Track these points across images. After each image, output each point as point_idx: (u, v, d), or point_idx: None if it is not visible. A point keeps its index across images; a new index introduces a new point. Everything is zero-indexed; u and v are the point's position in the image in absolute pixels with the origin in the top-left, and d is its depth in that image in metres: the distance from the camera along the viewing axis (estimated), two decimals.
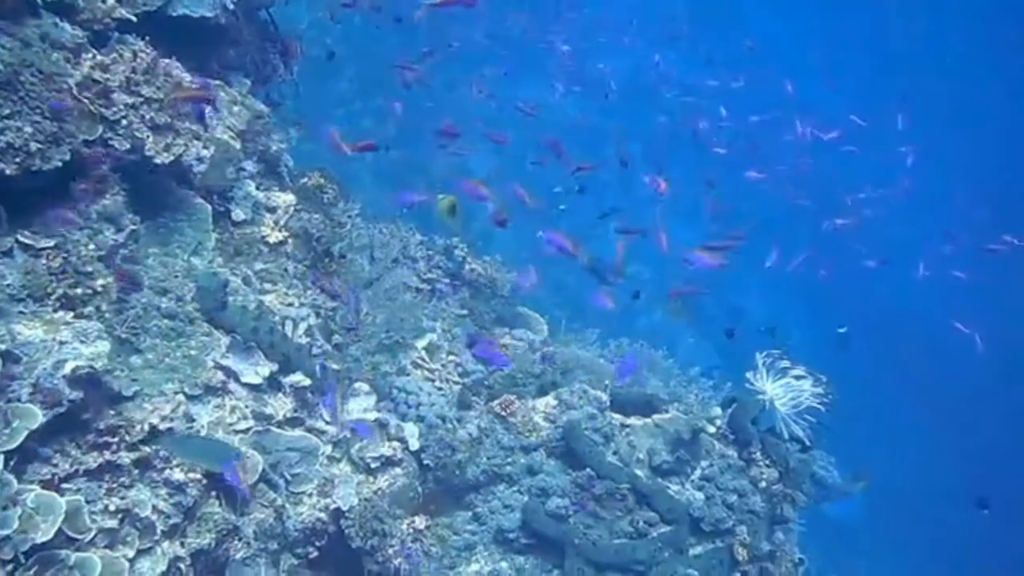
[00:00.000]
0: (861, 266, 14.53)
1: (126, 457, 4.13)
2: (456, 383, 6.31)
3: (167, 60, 4.82)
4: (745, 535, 5.86)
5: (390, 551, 4.86)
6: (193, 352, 4.70)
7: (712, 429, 6.00)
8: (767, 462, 6.12)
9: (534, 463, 5.73)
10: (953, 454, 20.54)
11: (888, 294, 20.26)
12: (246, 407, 4.77)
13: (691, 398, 6.32)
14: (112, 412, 4.21)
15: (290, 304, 5.32)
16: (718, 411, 6.11)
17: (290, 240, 5.55)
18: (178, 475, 4.26)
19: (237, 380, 4.81)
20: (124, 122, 4.54)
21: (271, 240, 5.48)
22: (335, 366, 5.22)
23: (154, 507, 4.16)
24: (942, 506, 20.07)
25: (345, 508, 4.87)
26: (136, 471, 4.17)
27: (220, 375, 4.73)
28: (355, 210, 6.07)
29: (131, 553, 4.02)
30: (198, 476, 4.34)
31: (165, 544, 4.18)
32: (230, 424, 4.68)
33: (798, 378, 6.10)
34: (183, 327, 4.71)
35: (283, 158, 5.93)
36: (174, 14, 5.21)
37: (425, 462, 5.51)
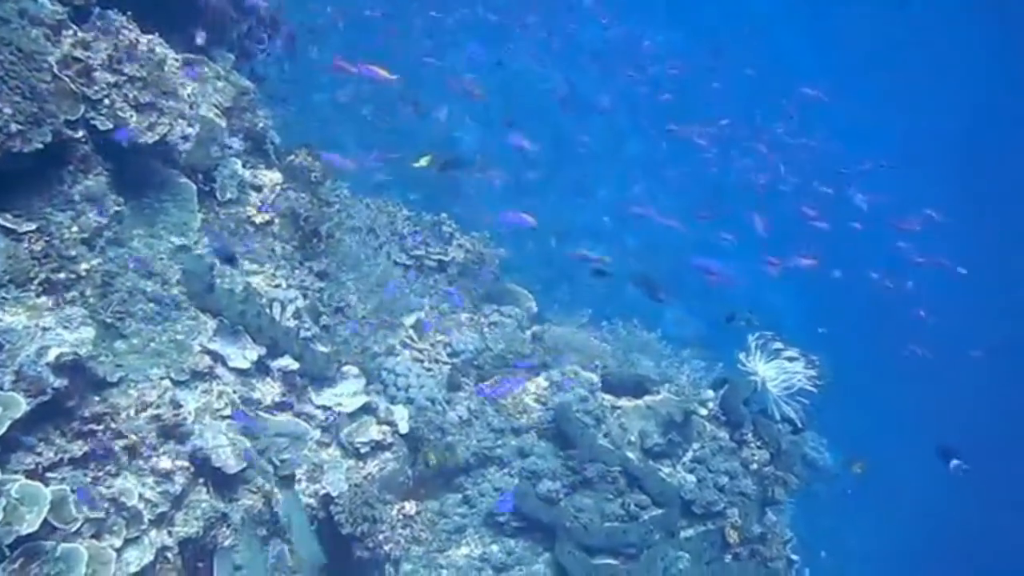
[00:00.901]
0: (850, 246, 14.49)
1: (112, 445, 4.04)
2: (445, 363, 6.24)
3: (150, 36, 4.68)
4: (736, 517, 5.86)
5: (380, 537, 4.81)
6: (179, 336, 4.61)
7: (704, 411, 5.97)
8: (759, 444, 6.10)
9: (524, 445, 5.69)
10: (938, 426, 20.74)
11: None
12: (233, 392, 4.69)
13: (683, 379, 6.26)
14: (97, 399, 4.13)
15: (277, 286, 5.23)
16: (710, 393, 6.08)
17: (277, 220, 5.44)
18: (165, 463, 4.19)
19: (224, 364, 4.72)
20: (107, 101, 4.41)
21: (258, 220, 5.37)
22: (323, 349, 5.14)
23: (141, 496, 4.09)
24: (926, 478, 20.29)
25: (335, 494, 4.81)
26: (124, 459, 4.09)
27: (207, 360, 4.64)
28: (343, 188, 5.96)
29: (118, 543, 3.94)
30: (185, 464, 4.27)
31: (152, 533, 4.11)
32: (217, 410, 4.60)
33: (791, 360, 6.07)
34: (169, 311, 4.62)
35: (269, 135, 5.80)
36: None
37: (415, 445, 5.46)
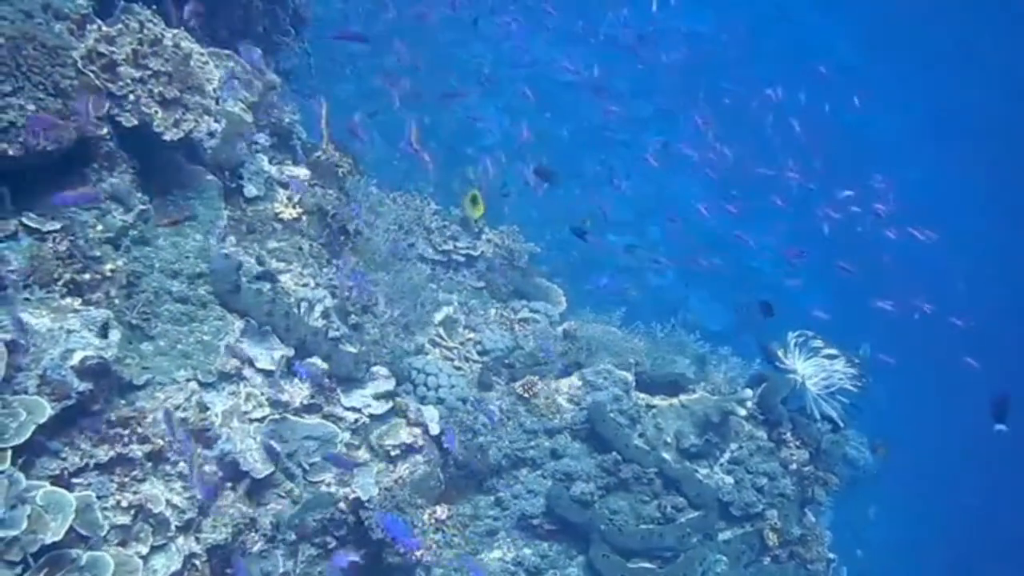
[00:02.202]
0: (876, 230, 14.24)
1: (138, 450, 3.95)
2: (476, 362, 6.12)
3: (175, 31, 4.58)
4: (776, 519, 5.71)
5: (412, 542, 4.70)
6: (206, 337, 4.51)
7: (742, 411, 5.81)
8: (798, 443, 5.94)
9: (558, 446, 5.56)
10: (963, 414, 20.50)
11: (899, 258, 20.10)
12: (262, 394, 4.58)
13: (719, 377, 6.11)
14: (123, 402, 4.05)
15: (305, 284, 5.12)
16: (748, 392, 5.91)
17: (304, 217, 5.33)
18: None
19: (252, 366, 4.62)
20: (131, 97, 4.32)
21: (285, 217, 5.27)
22: (352, 349, 5.02)
23: (168, 502, 4.00)
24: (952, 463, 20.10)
25: (365, 498, 4.70)
26: (149, 464, 4.00)
27: (234, 361, 4.54)
28: (371, 185, 5.84)
29: (145, 550, 3.86)
30: (214, 468, 4.18)
31: (180, 540, 4.02)
32: (245, 412, 4.50)
33: (830, 358, 5.90)
34: (195, 311, 4.53)
35: (296, 130, 5.70)
36: None
37: (445, 446, 5.34)
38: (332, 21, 15.71)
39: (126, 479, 3.93)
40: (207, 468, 4.17)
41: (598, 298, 7.94)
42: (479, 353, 6.21)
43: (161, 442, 4.02)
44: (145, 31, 4.41)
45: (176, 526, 4.00)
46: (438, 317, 6.37)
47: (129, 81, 4.31)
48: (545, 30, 16.82)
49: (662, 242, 19.21)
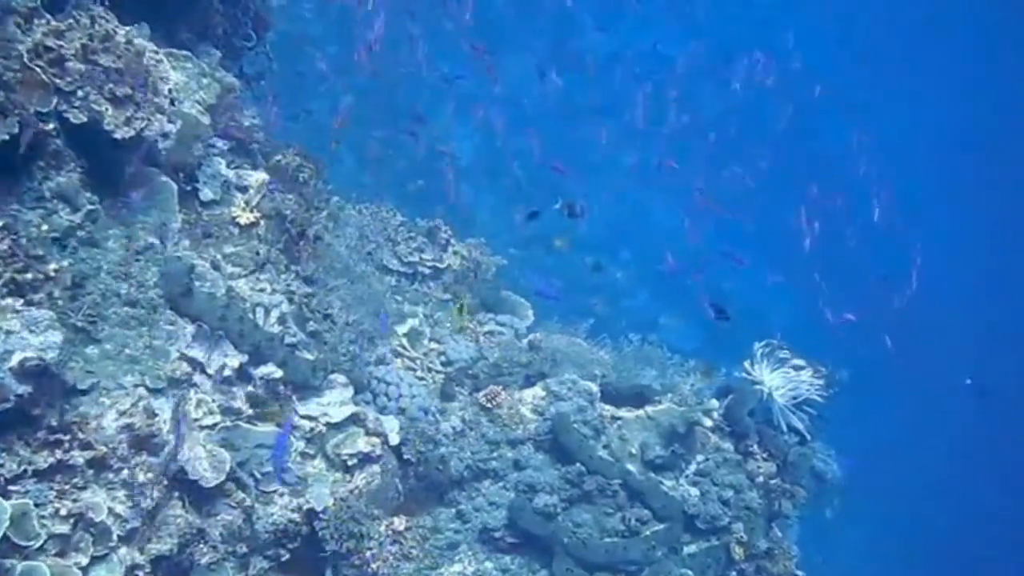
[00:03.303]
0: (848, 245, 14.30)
1: (80, 456, 3.81)
2: (439, 372, 6.00)
3: (129, 28, 4.47)
4: (742, 532, 5.61)
5: (368, 554, 4.57)
6: (156, 342, 4.37)
7: (708, 422, 5.72)
8: (765, 455, 5.86)
9: (521, 458, 5.45)
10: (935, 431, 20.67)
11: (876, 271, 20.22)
12: (213, 401, 4.45)
13: (685, 388, 6.02)
14: (66, 407, 3.90)
15: (262, 290, 4.99)
16: (714, 403, 5.82)
17: (262, 222, 5.21)
18: (138, 476, 3.95)
19: (203, 372, 4.48)
20: (80, 93, 4.19)
21: (242, 222, 5.14)
22: (309, 356, 4.90)
23: (110, 510, 3.84)
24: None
25: (319, 508, 4.56)
26: (91, 471, 3.85)
27: (185, 366, 4.40)
28: (331, 191, 5.73)
29: (84, 561, 3.71)
30: (159, 476, 4.04)
31: (122, 550, 3.88)
32: (195, 420, 4.36)
33: (797, 368, 5.84)
34: (145, 315, 4.38)
35: (256, 135, 5.57)
36: None
37: (405, 457, 5.22)
38: (302, 37, 15.73)
39: (66, 486, 3.78)
40: (149, 475, 4.01)
41: (561, 310, 7.83)
42: (443, 364, 6.10)
43: (104, 448, 3.88)
44: (96, 27, 4.29)
45: (118, 535, 3.85)
46: (403, 329, 6.26)
47: (78, 77, 4.18)
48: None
49: (633, 263, 19.23)
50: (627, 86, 17.65)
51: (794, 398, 5.85)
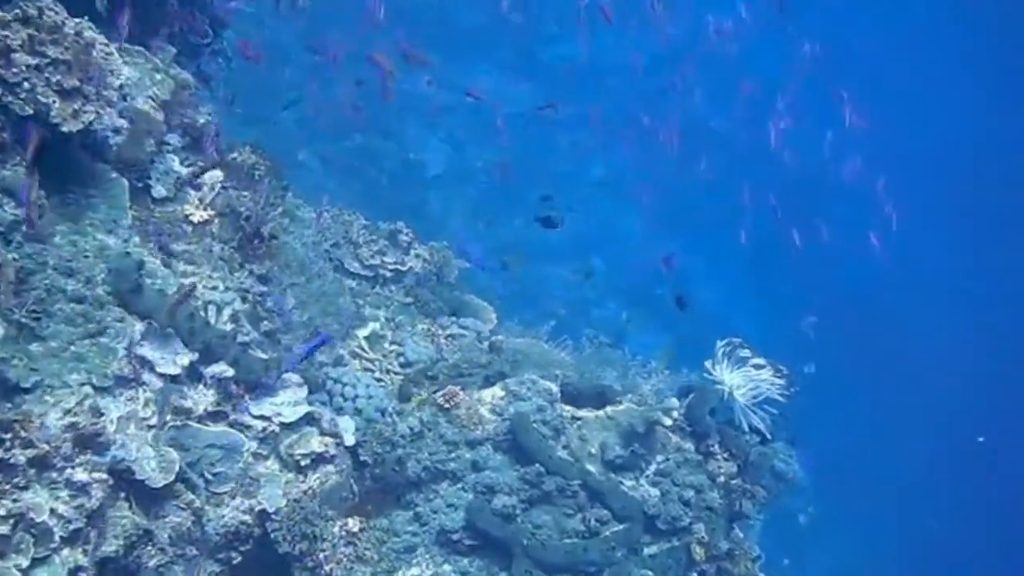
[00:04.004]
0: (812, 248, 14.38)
1: (21, 455, 3.70)
2: (397, 374, 5.93)
3: (79, 19, 4.39)
4: (703, 533, 5.56)
5: (321, 556, 4.48)
6: (103, 339, 4.28)
7: (668, 421, 5.67)
8: (726, 455, 5.82)
9: (479, 458, 5.37)
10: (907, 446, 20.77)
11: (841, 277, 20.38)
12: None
13: (646, 388, 5.98)
14: (8, 405, 3.80)
15: (214, 288, 4.91)
16: (675, 402, 5.78)
17: (216, 219, 5.13)
18: (81, 475, 3.85)
19: (152, 370, 4.39)
20: (26, 85, 4.10)
21: (195, 219, 5.06)
22: (263, 355, 4.81)
23: (52, 511, 3.74)
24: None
25: (271, 510, 4.48)
26: (32, 471, 3.74)
27: (133, 365, 4.31)
28: (286, 188, 5.66)
29: (24, 562, 3.60)
30: (104, 476, 3.93)
31: (65, 552, 3.77)
32: (143, 419, 4.26)
33: (758, 367, 5.81)
34: (92, 312, 4.28)
35: (210, 131, 5.50)
36: None
37: (362, 458, 5.14)
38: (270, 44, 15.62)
39: (7, 486, 3.67)
40: (94, 475, 3.91)
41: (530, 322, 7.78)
42: (401, 365, 6.03)
43: (47, 447, 3.78)
44: (44, 17, 4.21)
45: (61, 537, 3.75)
46: (364, 332, 6.19)
47: (24, 68, 4.10)
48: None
49: (605, 274, 19.27)
50: (596, 96, 17.73)
51: (755, 397, 5.82)
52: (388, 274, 7.13)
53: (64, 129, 4.22)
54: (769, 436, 5.91)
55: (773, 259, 14.22)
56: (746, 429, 5.86)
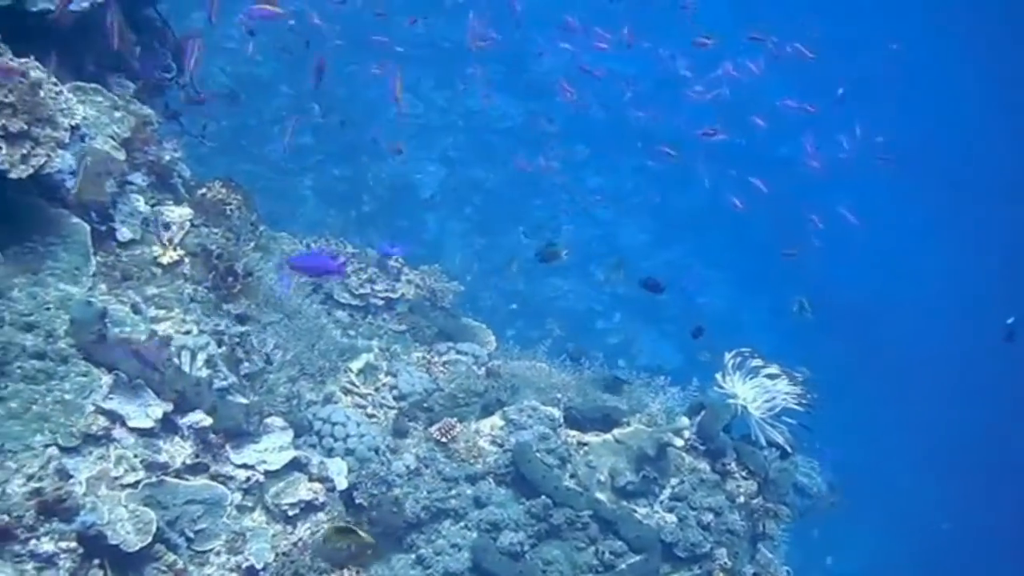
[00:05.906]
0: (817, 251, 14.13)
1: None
2: (391, 408, 5.63)
3: (25, 59, 4.13)
4: (725, 558, 5.24)
5: None
6: (68, 396, 4.00)
7: (680, 442, 5.37)
8: (744, 473, 5.51)
9: (481, 494, 5.07)
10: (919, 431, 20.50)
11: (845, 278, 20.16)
12: (135, 456, 4.06)
13: (654, 407, 5.67)
14: None
15: (187, 332, 4.62)
16: (685, 421, 5.48)
17: (187, 259, 4.85)
18: (47, 545, 3.56)
19: (124, 425, 4.10)
20: None
21: (164, 261, 4.78)
22: (242, 400, 4.52)
23: None
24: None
25: (259, 566, 4.18)
26: None
27: (102, 420, 4.03)
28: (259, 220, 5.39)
29: None
30: (72, 544, 3.64)
31: None
32: (115, 478, 3.97)
33: (772, 377, 5.50)
34: (54, 367, 4.01)
35: (177, 168, 5.23)
36: (34, 9, 4.51)
37: (357, 501, 4.84)
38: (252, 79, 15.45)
39: None
40: (61, 544, 3.61)
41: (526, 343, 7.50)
42: (395, 398, 5.73)
43: (7, 518, 3.49)
44: None
45: None
46: (357, 365, 5.91)
47: None
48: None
49: (607, 283, 19.02)
50: (589, 108, 17.53)
51: (771, 409, 5.51)
52: (379, 302, 6.86)
53: (12, 176, 3.96)
54: (789, 450, 5.59)
55: (778, 262, 13.91)
56: (764, 444, 5.54)
